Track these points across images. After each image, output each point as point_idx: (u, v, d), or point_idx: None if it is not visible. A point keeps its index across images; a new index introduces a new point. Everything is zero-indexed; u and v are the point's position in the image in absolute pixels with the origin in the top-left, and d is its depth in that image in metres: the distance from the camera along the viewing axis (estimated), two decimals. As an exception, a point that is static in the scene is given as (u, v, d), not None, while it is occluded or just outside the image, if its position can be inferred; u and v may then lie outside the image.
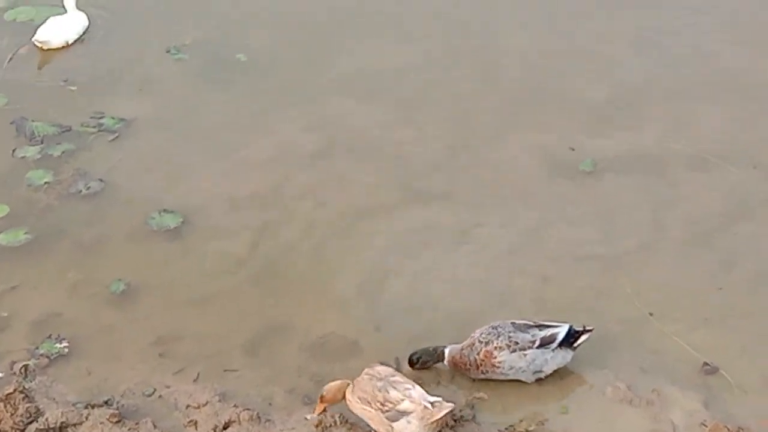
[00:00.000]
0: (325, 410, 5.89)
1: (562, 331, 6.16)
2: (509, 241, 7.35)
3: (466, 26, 9.46)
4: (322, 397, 5.83)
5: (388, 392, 5.61)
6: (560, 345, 6.18)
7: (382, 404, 5.58)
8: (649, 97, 8.67)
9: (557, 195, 7.73)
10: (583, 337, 6.24)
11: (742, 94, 8.65)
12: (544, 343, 6.13)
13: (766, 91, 8.68)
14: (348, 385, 5.81)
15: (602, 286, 6.99)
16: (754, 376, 6.35)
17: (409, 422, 5.55)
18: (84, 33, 9.29)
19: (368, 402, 5.64)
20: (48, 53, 9.14)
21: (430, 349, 6.19)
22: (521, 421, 6.07)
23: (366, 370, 5.82)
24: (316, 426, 5.93)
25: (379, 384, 5.66)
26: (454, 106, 8.54)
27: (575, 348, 6.24)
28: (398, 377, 5.77)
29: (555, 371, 6.28)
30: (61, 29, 9.20)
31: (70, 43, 9.18)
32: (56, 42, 9.13)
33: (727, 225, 7.43)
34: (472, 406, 6.16)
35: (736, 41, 9.27)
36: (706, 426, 6.02)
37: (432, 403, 5.56)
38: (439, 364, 6.24)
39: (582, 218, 7.52)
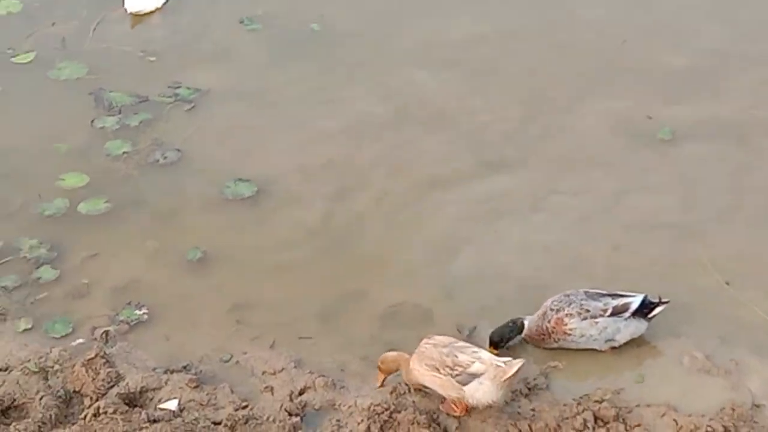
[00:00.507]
0: (385, 380, 6.01)
1: (636, 301, 6.19)
2: (583, 210, 7.38)
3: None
4: (379, 367, 5.96)
5: (456, 356, 5.68)
6: (634, 315, 6.20)
7: (452, 368, 5.64)
8: (727, 66, 8.59)
9: (634, 163, 7.73)
10: (658, 308, 6.26)
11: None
12: (617, 312, 6.16)
13: None
14: (404, 357, 5.88)
15: (678, 255, 7.00)
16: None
17: (481, 383, 5.61)
18: (165, 3, 9.34)
19: (437, 368, 5.69)
20: (127, 24, 9.23)
21: (509, 323, 6.22)
22: (597, 390, 6.09)
23: (425, 340, 5.88)
24: (390, 393, 6.01)
25: (445, 350, 5.72)
26: (527, 76, 8.54)
27: (650, 319, 6.26)
28: (462, 343, 5.85)
29: (630, 341, 6.30)
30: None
31: (159, 7, 9.30)
32: (147, 7, 9.26)
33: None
34: (546, 375, 6.22)
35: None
36: (787, 395, 6.02)
37: (504, 362, 5.60)
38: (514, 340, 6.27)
39: (659, 187, 7.52)
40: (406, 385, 6.04)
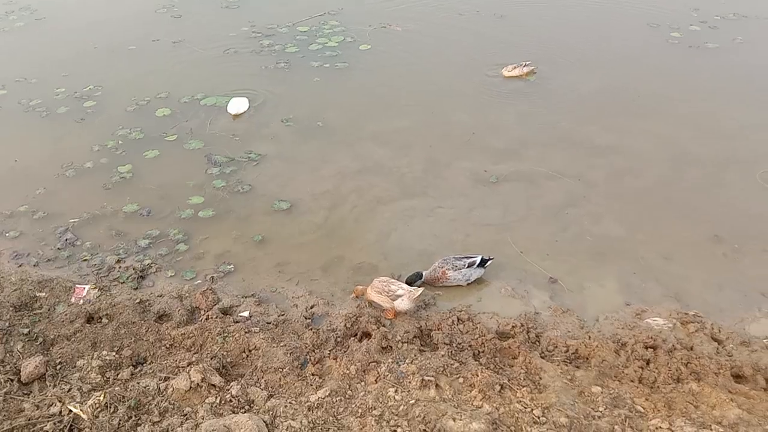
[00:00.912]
0: (357, 298, 6.18)
1: (478, 259, 6.38)
2: (453, 216, 7.45)
3: (431, 108, 9.49)
4: (354, 292, 6.13)
5: (390, 287, 5.93)
6: (478, 266, 6.34)
7: (388, 293, 5.86)
8: (523, 146, 8.61)
9: (478, 194, 7.78)
10: (489, 262, 6.44)
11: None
12: (470, 265, 6.30)
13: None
14: (364, 289, 6.08)
15: (498, 238, 7.09)
16: (576, 283, 6.48)
17: (402, 300, 5.87)
18: (246, 109, 9.36)
19: (379, 292, 5.93)
20: (225, 120, 9.24)
21: (415, 273, 6.33)
22: (458, 305, 6.27)
23: (375, 279, 6.09)
24: (356, 307, 6.14)
25: (384, 284, 5.96)
26: (426, 149, 8.62)
27: (485, 267, 6.41)
28: (394, 281, 6.03)
29: (476, 280, 6.46)
30: (238, 105, 9.36)
31: (242, 112, 9.31)
32: (238, 111, 9.28)
33: (562, 208, 7.48)
34: (434, 298, 6.36)
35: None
36: (551, 308, 6.17)
37: (413, 290, 5.89)
38: (418, 282, 6.35)
39: (490, 205, 7.58)
40: (366, 303, 6.16)
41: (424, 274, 6.38)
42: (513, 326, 5.90)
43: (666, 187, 7.76)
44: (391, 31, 11.67)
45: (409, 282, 6.29)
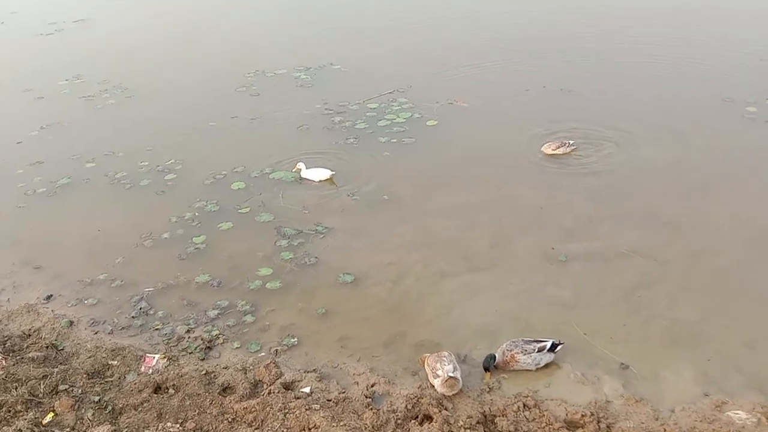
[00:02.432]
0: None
1: (548, 344, 6.17)
2: (519, 294, 7.27)
3: (497, 184, 9.42)
4: (421, 360, 6.17)
5: (437, 364, 5.91)
6: (549, 350, 6.12)
7: (433, 369, 5.90)
8: (596, 224, 8.39)
9: (548, 271, 7.60)
10: (559, 347, 6.23)
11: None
12: (540, 349, 6.09)
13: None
14: (427, 356, 6.12)
15: (565, 320, 6.84)
16: (650, 370, 6.14)
17: (437, 381, 5.88)
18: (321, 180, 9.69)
19: (429, 365, 5.98)
20: (297, 191, 9.45)
21: (489, 356, 6.17)
22: (525, 389, 6.02)
23: (436, 353, 6.09)
24: (418, 387, 6.00)
25: (436, 359, 5.98)
26: (494, 225, 8.51)
27: (555, 352, 6.19)
28: (446, 358, 5.98)
29: (546, 365, 6.21)
30: (315, 174, 9.68)
31: (320, 180, 9.67)
32: (316, 178, 9.67)
33: (634, 289, 7.18)
34: (499, 382, 6.13)
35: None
36: (623, 397, 5.85)
37: (451, 374, 5.82)
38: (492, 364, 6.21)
39: (557, 285, 7.36)
40: (426, 384, 6.03)
41: (496, 356, 6.20)
42: (582, 415, 5.59)
43: (746, 269, 7.36)
44: (459, 107, 11.83)
45: (485, 366, 6.14)
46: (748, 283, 7.15)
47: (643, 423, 5.54)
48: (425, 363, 6.08)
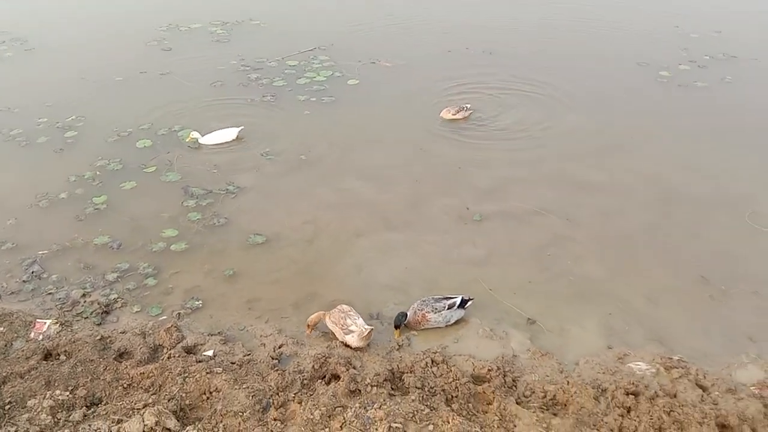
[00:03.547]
0: (311, 330, 6.08)
1: (458, 300, 6.15)
2: (432, 253, 7.23)
3: (418, 144, 9.31)
4: (308, 324, 6.03)
5: (346, 320, 5.83)
6: (458, 307, 6.11)
7: (342, 326, 5.80)
8: (511, 185, 8.42)
9: (462, 231, 7.57)
10: (469, 303, 6.21)
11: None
12: (450, 306, 6.07)
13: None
14: (323, 314, 6.00)
15: (475, 276, 6.85)
16: (557, 325, 6.24)
17: (352, 336, 5.79)
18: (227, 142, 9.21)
19: (335, 323, 5.88)
20: (202, 154, 9.02)
21: (400, 314, 6.09)
22: (433, 346, 5.99)
23: (337, 307, 6.03)
24: (326, 347, 5.89)
25: (342, 315, 5.88)
26: (412, 185, 8.43)
27: (465, 308, 6.19)
28: (353, 313, 5.93)
29: (457, 321, 6.20)
30: (217, 137, 9.21)
31: (219, 143, 9.20)
32: (213, 141, 9.17)
33: (544, 248, 7.26)
34: (409, 339, 6.10)
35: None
36: (530, 351, 5.91)
37: (369, 327, 5.82)
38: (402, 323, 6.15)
39: (470, 243, 7.36)
40: (335, 343, 5.93)
41: (408, 315, 6.14)
42: (489, 370, 5.61)
43: (651, 227, 7.56)
44: (381, 67, 11.62)
45: (396, 324, 6.07)
46: (652, 242, 7.35)
47: (548, 376, 5.62)
48: (327, 320, 5.97)
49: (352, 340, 5.81)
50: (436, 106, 10.11)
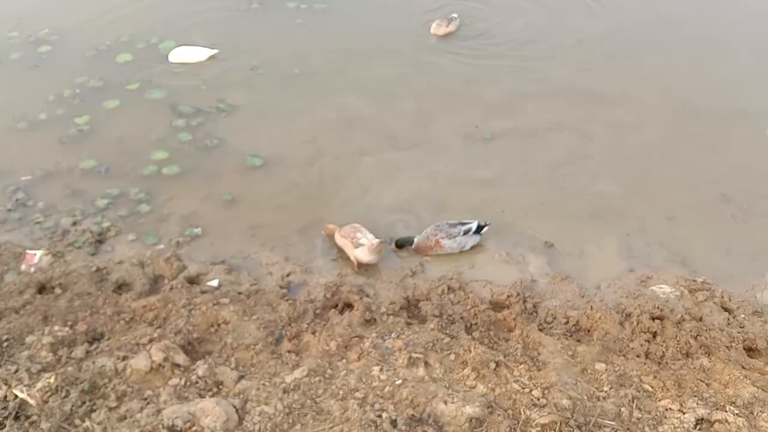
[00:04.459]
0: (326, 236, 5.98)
1: (473, 225, 5.90)
2: (439, 172, 6.94)
3: (419, 55, 8.77)
4: (324, 230, 6.00)
5: (356, 233, 5.67)
6: (474, 233, 5.85)
7: (353, 239, 5.64)
8: (521, 102, 8.01)
9: (470, 150, 7.23)
10: (485, 228, 5.95)
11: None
12: (466, 232, 5.81)
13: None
14: (337, 228, 5.86)
15: (487, 197, 6.60)
16: (575, 247, 6.03)
17: (362, 249, 5.61)
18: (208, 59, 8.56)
19: (344, 236, 5.72)
20: (187, 71, 8.42)
21: (406, 238, 5.89)
22: (448, 272, 5.79)
23: (348, 225, 5.84)
24: (337, 275, 5.72)
25: (353, 230, 5.70)
26: (414, 99, 7.99)
27: (481, 234, 5.93)
28: (363, 230, 5.75)
29: (474, 246, 6.01)
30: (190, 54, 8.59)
31: (199, 61, 8.54)
32: (189, 60, 8.53)
33: (558, 167, 6.97)
34: (422, 265, 5.87)
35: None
36: (549, 275, 5.73)
37: (376, 240, 5.64)
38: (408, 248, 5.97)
39: (481, 163, 7.04)
40: (346, 270, 5.70)
41: (415, 240, 5.89)
42: (508, 295, 5.44)
43: (668, 143, 7.27)
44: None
45: (400, 246, 5.86)
46: (669, 158, 7.09)
47: (569, 301, 5.46)
48: (337, 235, 5.81)
49: (362, 253, 5.64)
50: (435, 13, 9.45)
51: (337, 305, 5.37)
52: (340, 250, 5.87)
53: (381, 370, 4.56)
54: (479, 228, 5.91)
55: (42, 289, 5.48)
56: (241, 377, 4.55)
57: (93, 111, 7.65)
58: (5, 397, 4.37)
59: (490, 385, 4.43)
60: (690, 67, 8.47)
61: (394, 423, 4.12)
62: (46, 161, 6.96)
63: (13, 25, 9.36)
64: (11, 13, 9.64)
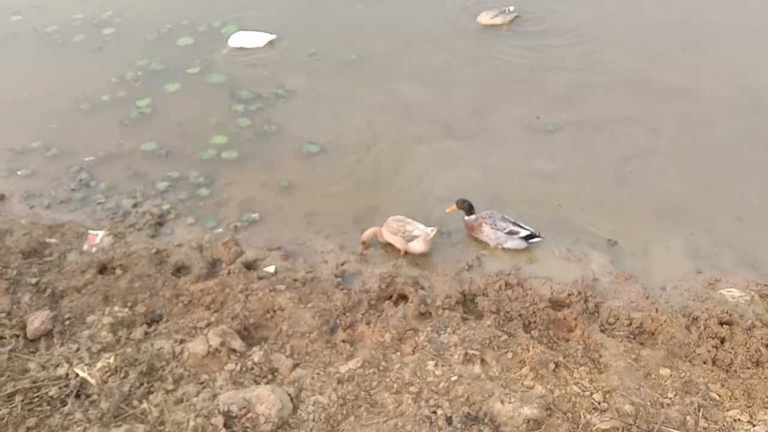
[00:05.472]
0: (366, 248, 5.84)
1: (523, 233, 5.77)
2: (495, 163, 6.82)
3: (481, 44, 8.60)
4: (362, 241, 5.78)
5: (406, 227, 5.60)
6: (521, 237, 5.71)
7: (403, 233, 5.57)
8: (586, 91, 7.79)
9: (532, 142, 7.07)
10: (535, 240, 5.79)
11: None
12: (512, 233, 5.73)
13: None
14: (377, 229, 5.77)
15: (548, 190, 6.46)
16: (639, 245, 5.83)
17: (417, 242, 5.56)
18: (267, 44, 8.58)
19: (394, 233, 5.63)
20: (245, 55, 8.45)
21: (470, 203, 5.88)
22: (506, 267, 5.67)
23: (390, 217, 5.78)
24: (392, 266, 5.68)
25: (400, 223, 5.64)
26: (473, 89, 7.85)
27: (529, 243, 5.81)
28: (410, 220, 5.70)
29: (533, 243, 5.86)
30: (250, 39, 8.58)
31: (259, 46, 8.54)
32: (249, 44, 8.53)
33: (623, 161, 6.75)
34: (479, 259, 5.77)
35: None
36: (611, 274, 5.55)
37: (431, 229, 5.59)
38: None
39: (539, 155, 6.88)
40: (401, 261, 5.64)
41: (472, 216, 5.86)
42: (569, 294, 5.29)
43: (740, 140, 6.96)
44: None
45: (459, 205, 5.88)
46: (741, 156, 6.79)
47: (632, 302, 5.28)
48: (385, 232, 5.75)
49: (417, 245, 5.61)
50: (500, 1, 9.22)
51: (391, 296, 5.32)
52: (388, 245, 5.83)
53: (436, 365, 4.51)
54: (530, 236, 5.77)
55: (103, 269, 5.61)
56: (296, 365, 4.56)
57: (154, 94, 7.77)
58: (67, 375, 4.48)
59: (548, 386, 4.33)
60: (766, 60, 8.06)
61: (449, 420, 4.07)
62: (108, 143, 7.11)
63: (77, 6, 9.58)
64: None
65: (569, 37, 8.59)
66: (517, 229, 5.74)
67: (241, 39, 8.54)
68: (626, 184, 6.47)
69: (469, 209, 5.85)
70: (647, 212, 6.17)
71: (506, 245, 5.79)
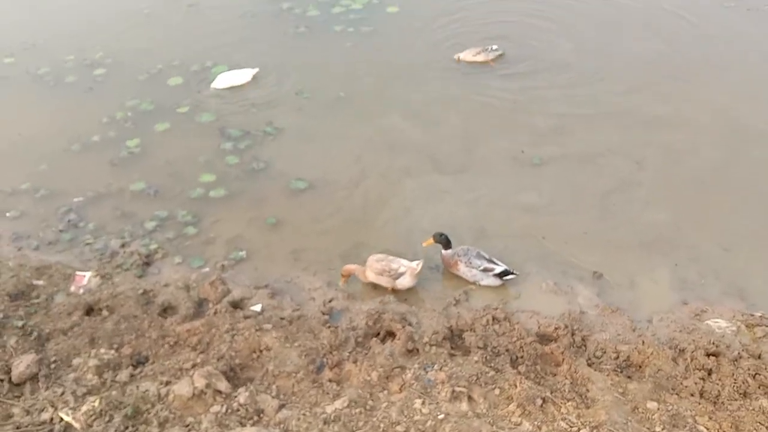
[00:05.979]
0: (346, 280, 5.81)
1: (498, 269, 5.77)
2: (482, 197, 6.86)
3: (465, 79, 8.72)
4: (342, 274, 5.77)
5: (391, 265, 5.61)
6: (495, 275, 5.71)
7: (389, 272, 5.57)
8: (569, 127, 7.86)
9: (518, 175, 7.13)
10: (509, 277, 5.80)
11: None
12: (486, 270, 5.73)
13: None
14: (359, 268, 5.74)
15: (531, 226, 6.48)
16: (626, 278, 5.84)
17: (404, 278, 5.59)
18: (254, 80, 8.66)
19: (380, 273, 5.63)
20: (234, 94, 8.51)
21: (447, 238, 5.86)
22: (493, 302, 5.68)
23: (370, 257, 5.75)
24: (379, 302, 5.69)
25: (384, 263, 5.64)
26: (461, 125, 7.89)
27: (504, 279, 5.80)
28: (392, 257, 5.72)
29: (513, 279, 5.86)
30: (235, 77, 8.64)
31: (242, 84, 8.61)
32: (234, 83, 8.59)
33: (607, 193, 6.79)
34: (466, 294, 5.76)
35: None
36: (598, 307, 5.55)
37: (416, 263, 5.60)
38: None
39: (525, 189, 6.92)
40: (388, 297, 5.65)
41: (449, 251, 5.86)
42: (556, 327, 5.28)
43: (724, 168, 7.02)
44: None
45: (436, 238, 5.86)
46: (725, 184, 6.84)
47: (619, 334, 5.28)
48: (369, 274, 5.72)
49: (405, 281, 5.65)
50: (487, 41, 9.32)
51: (379, 333, 5.31)
52: (371, 284, 5.83)
53: (423, 403, 4.48)
54: (504, 273, 5.76)
55: (90, 310, 5.59)
56: (281, 406, 4.52)
57: (144, 134, 7.83)
58: (51, 419, 4.45)
59: (536, 422, 4.30)
60: (747, 87, 8.17)
61: (436, 460, 4.03)
62: (97, 183, 7.14)
63: (69, 48, 9.68)
64: (68, 37, 9.97)
65: (553, 71, 8.67)
66: (491, 266, 5.74)
67: (225, 80, 8.60)
68: (609, 217, 6.49)
69: (447, 243, 5.85)
70: (632, 244, 6.19)
71: (482, 283, 5.79)
